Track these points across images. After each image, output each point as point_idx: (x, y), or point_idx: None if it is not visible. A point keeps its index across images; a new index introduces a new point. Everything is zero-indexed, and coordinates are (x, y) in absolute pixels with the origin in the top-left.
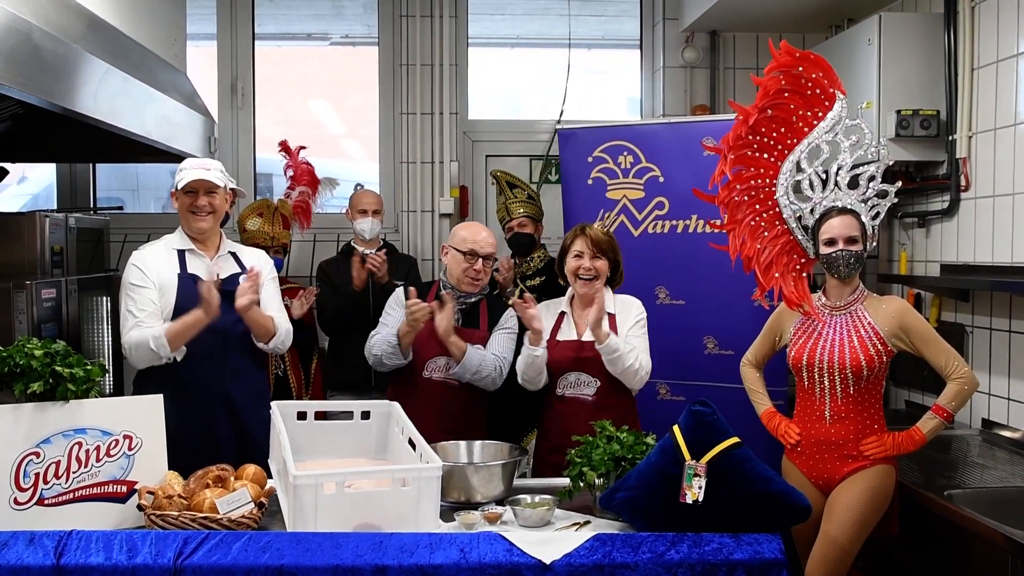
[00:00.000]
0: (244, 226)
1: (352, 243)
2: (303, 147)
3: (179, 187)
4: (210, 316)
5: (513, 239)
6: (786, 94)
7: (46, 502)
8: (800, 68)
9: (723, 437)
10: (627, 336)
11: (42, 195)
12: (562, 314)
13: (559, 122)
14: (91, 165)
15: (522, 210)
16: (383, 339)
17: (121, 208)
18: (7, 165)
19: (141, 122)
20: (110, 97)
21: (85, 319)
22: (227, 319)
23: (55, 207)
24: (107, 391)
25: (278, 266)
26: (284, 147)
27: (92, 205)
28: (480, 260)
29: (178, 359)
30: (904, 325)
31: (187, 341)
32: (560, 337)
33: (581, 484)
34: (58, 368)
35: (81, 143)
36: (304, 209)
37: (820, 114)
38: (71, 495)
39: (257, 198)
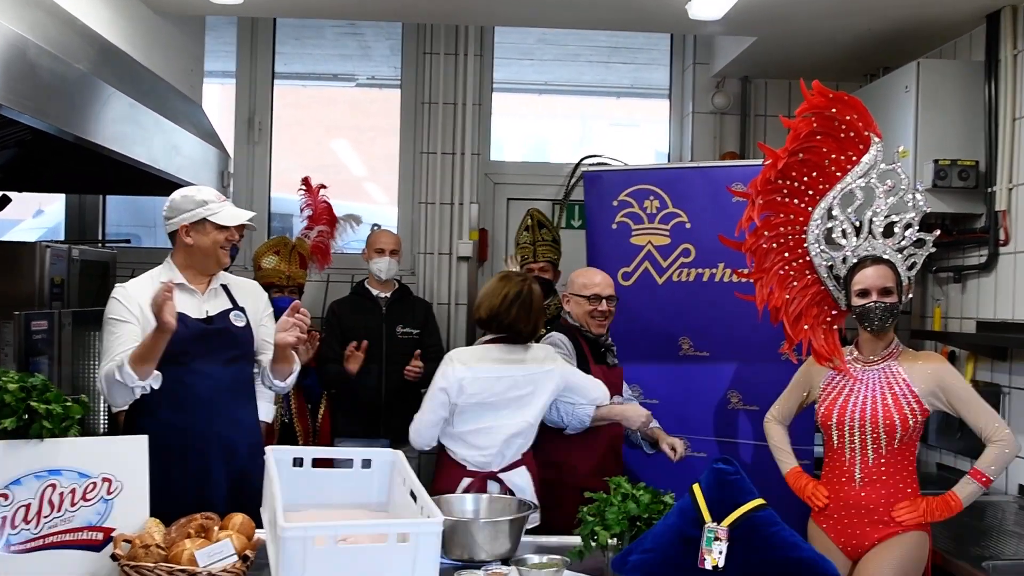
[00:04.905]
0: (259, 264)
1: (366, 283)
2: (323, 186)
3: (216, 221)
4: (166, 330)
5: None
6: (818, 137)
7: (13, 548)
8: (833, 110)
9: (747, 498)
10: None
11: (57, 228)
12: None
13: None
14: (101, 197)
15: (548, 255)
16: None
17: (128, 242)
18: (12, 194)
19: (147, 150)
20: (113, 122)
21: (80, 354)
22: (219, 359)
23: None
24: (101, 430)
25: None
26: (306, 183)
27: (100, 238)
28: (603, 301)
29: (154, 387)
30: (942, 384)
31: (152, 363)
32: None
33: (593, 544)
34: (34, 404)
35: (90, 173)
36: (323, 249)
37: (854, 158)
38: (41, 541)
39: (273, 236)
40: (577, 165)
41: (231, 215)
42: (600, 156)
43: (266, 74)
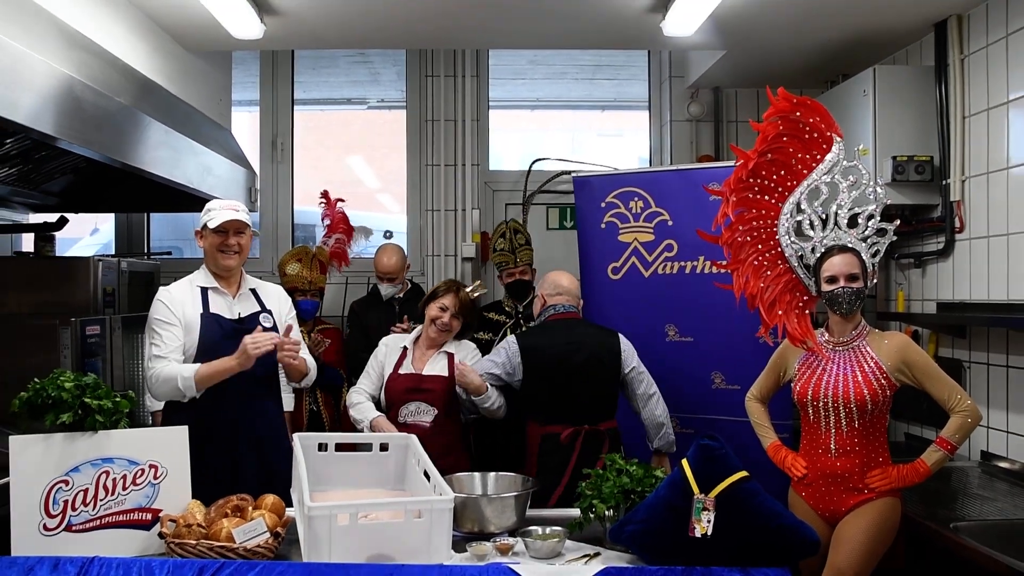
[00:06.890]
0: (284, 270)
1: (379, 284)
2: (341, 199)
3: (209, 226)
4: (242, 367)
5: (516, 284)
6: (785, 138)
7: (74, 528)
8: (798, 113)
9: (731, 471)
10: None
11: (110, 244)
12: (405, 349)
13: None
14: (146, 215)
15: (526, 258)
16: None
17: (170, 254)
18: (69, 215)
19: (183, 172)
20: (153, 148)
21: (128, 354)
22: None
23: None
24: (149, 421)
25: (314, 308)
26: (325, 196)
27: (146, 251)
28: None
29: (197, 398)
30: (906, 359)
31: (212, 385)
32: (402, 371)
33: (591, 516)
34: (87, 400)
35: (135, 194)
36: (340, 254)
37: (818, 157)
38: (98, 522)
39: (296, 246)
40: (530, 168)
41: (218, 216)
42: (548, 158)
43: (287, 100)
